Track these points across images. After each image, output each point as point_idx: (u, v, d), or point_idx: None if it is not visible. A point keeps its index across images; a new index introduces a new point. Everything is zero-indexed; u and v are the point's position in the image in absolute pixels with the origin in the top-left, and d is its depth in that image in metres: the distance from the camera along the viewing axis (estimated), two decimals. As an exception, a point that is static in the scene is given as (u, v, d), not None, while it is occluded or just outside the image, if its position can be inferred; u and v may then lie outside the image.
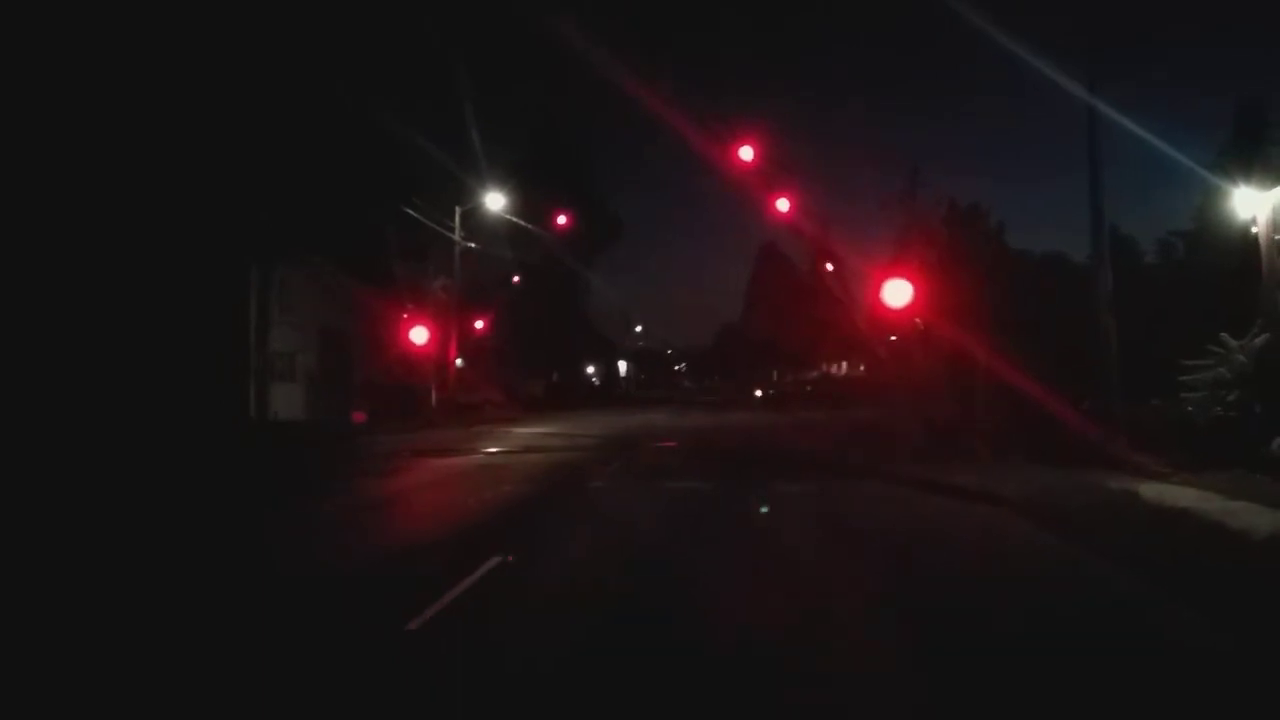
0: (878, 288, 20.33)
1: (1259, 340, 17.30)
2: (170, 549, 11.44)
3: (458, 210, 40.36)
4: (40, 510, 13.81)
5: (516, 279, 54.96)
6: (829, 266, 44.16)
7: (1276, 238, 17.80)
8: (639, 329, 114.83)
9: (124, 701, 6.03)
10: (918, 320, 22.17)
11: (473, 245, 41.98)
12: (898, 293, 19.24)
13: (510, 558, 10.06)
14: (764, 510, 14.35)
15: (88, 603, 8.62)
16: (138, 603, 8.61)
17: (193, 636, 7.46)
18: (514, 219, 45.67)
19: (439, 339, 38.55)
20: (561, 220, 48.86)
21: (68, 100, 22.69)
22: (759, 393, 73.72)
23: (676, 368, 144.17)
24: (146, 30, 24.73)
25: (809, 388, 71.58)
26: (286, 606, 8.47)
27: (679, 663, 6.58)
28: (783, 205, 24.53)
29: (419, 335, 36.09)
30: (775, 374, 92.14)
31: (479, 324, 47.20)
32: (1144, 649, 7.04)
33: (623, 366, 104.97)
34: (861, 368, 71.19)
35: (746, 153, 22.19)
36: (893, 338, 38.77)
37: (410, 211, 37.17)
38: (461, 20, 52.80)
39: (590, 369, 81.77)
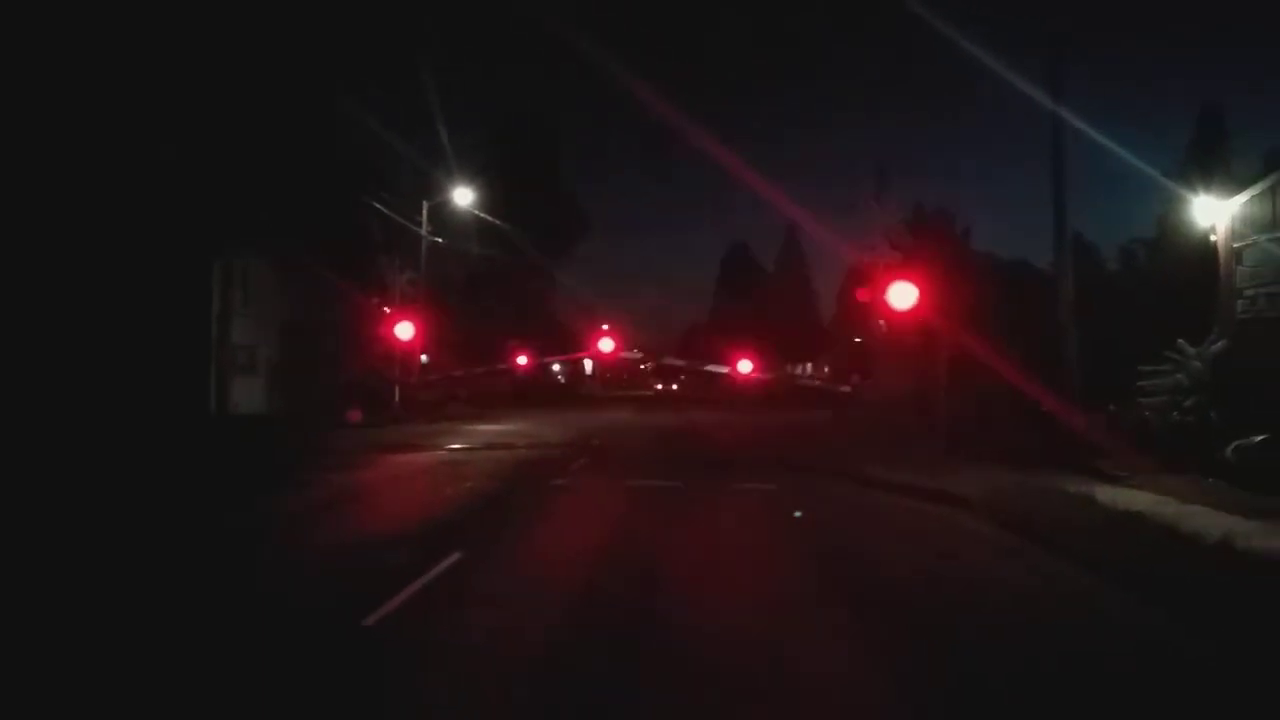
0: (852, 291, 20.40)
1: (1216, 347, 17.55)
2: (122, 545, 11.22)
3: (425, 205, 40.05)
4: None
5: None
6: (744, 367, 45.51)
7: (1235, 246, 18.10)
8: (605, 327, 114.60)
9: (73, 700, 5.89)
10: (882, 323, 22.27)
11: (440, 240, 41.69)
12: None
13: (469, 555, 10.00)
14: (724, 510, 14.36)
15: (34, 602, 8.45)
16: (87, 602, 8.42)
17: (142, 634, 7.31)
18: (482, 215, 45.40)
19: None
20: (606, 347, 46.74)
21: (22, 91, 22.22)
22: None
23: (642, 367, 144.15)
24: (107, 21, 24.34)
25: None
26: (242, 601, 8.35)
27: (635, 668, 6.49)
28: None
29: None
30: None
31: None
32: (1094, 643, 7.19)
33: (588, 365, 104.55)
34: (826, 369, 71.48)
35: (607, 344, 22.79)
36: (857, 340, 39.00)
37: (377, 205, 36.85)
38: (432, 12, 52.28)
39: (556, 367, 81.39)
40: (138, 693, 5.94)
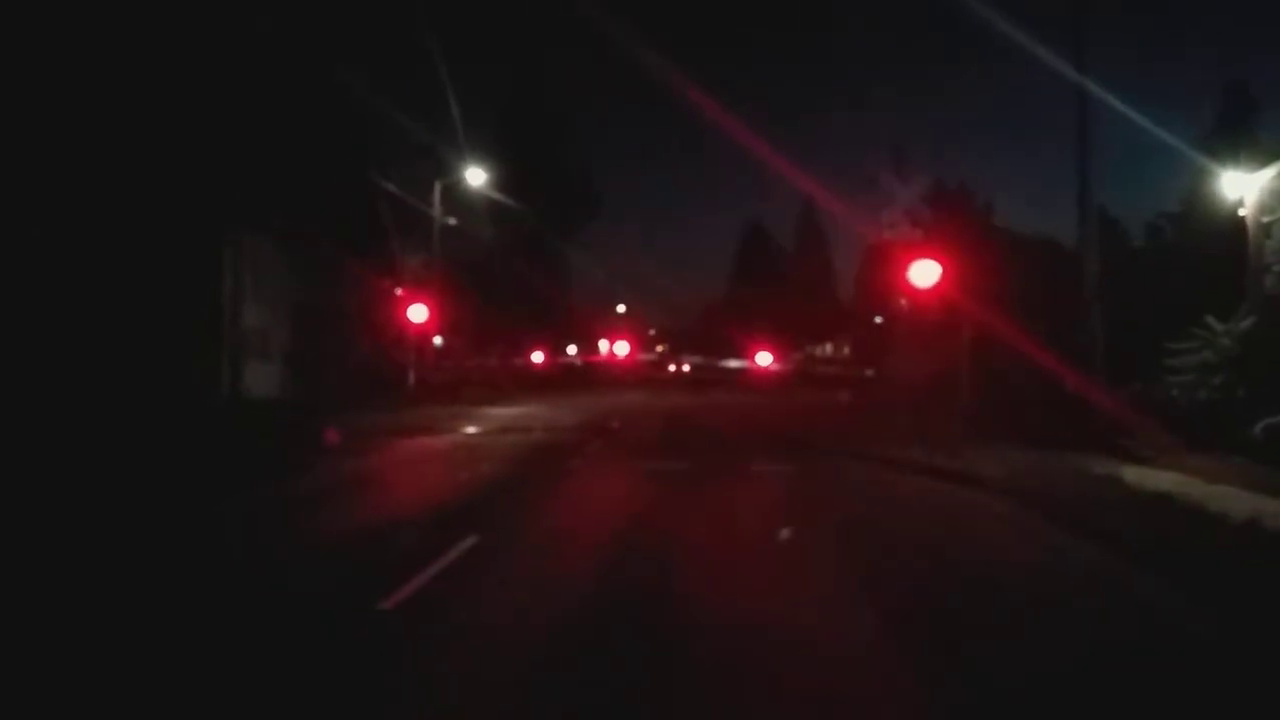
0: (868, 268, 20.07)
1: (1245, 324, 17.23)
2: (133, 528, 11.11)
3: (437, 185, 39.81)
4: None
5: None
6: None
7: (1264, 220, 17.76)
8: (622, 308, 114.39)
9: (96, 683, 5.72)
10: (903, 301, 22.01)
11: (452, 221, 41.49)
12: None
13: (485, 538, 9.86)
14: (742, 492, 14.21)
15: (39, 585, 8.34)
16: (97, 587, 8.30)
17: (154, 617, 7.17)
18: (495, 195, 45.18)
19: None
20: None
21: (26, 70, 22.03)
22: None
23: (658, 348, 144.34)
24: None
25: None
26: (259, 584, 8.24)
27: (652, 648, 6.33)
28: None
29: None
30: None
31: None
32: (1120, 629, 7.01)
33: (604, 347, 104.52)
34: (846, 350, 71.11)
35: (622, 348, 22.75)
36: (878, 319, 38.73)
37: (389, 187, 36.66)
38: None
39: (572, 349, 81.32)
40: (152, 677, 5.80)
